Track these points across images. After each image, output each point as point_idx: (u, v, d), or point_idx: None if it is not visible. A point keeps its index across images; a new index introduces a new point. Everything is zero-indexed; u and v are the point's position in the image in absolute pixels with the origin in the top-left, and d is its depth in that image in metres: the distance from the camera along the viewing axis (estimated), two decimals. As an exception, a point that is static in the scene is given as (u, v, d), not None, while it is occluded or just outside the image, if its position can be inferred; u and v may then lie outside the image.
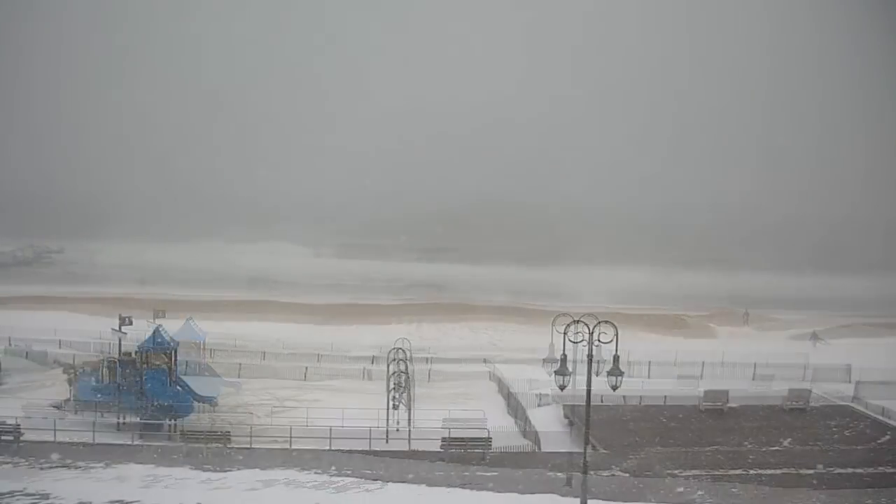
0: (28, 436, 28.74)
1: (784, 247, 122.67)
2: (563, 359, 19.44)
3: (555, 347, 20.02)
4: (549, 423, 35.32)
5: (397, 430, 33.47)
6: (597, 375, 19.64)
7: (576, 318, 19.44)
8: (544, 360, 39.69)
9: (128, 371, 34.75)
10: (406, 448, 30.65)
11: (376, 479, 26.25)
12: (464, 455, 28.35)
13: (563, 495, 24.66)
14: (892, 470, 27.94)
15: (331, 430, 30.20)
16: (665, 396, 38.60)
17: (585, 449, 21.04)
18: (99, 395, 34.74)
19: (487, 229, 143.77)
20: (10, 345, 47.90)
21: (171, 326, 37.35)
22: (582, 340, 19.00)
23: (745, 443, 32.11)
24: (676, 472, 27.55)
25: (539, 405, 38.95)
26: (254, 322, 64.95)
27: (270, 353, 52.20)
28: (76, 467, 26.83)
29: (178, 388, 35.51)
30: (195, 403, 35.67)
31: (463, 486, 25.96)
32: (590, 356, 19.06)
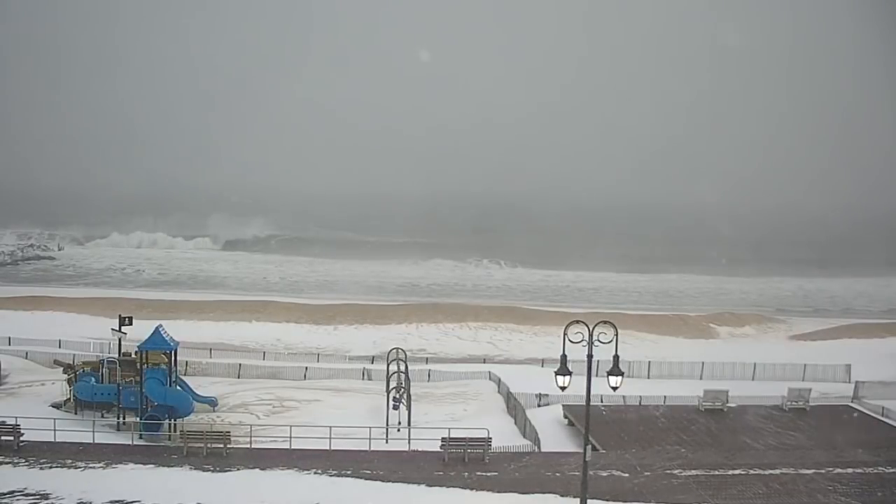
0: (28, 436, 28.71)
1: (785, 248, 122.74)
2: (564, 359, 19.42)
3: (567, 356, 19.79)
4: (548, 423, 35.32)
5: (398, 430, 33.48)
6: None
7: (578, 319, 19.42)
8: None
9: (128, 371, 34.80)
10: (406, 448, 30.65)
11: (376, 479, 26.25)
12: (464, 455, 28.33)
13: (562, 495, 24.69)
14: (892, 470, 27.92)
15: (331, 430, 30.18)
16: (665, 396, 38.58)
17: (585, 449, 21.03)
18: (99, 395, 34.77)
19: (482, 229, 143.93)
20: (9, 345, 47.84)
21: (140, 334, 35.98)
22: (582, 340, 18.97)
23: (745, 443, 32.10)
24: (676, 471, 27.55)
25: (539, 405, 38.95)
26: (254, 322, 64.94)
27: (270, 353, 52.20)
28: (76, 467, 26.83)
29: (178, 388, 35.55)
30: (195, 403, 35.69)
31: (463, 486, 25.96)
32: (589, 356, 19.04)
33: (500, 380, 42.75)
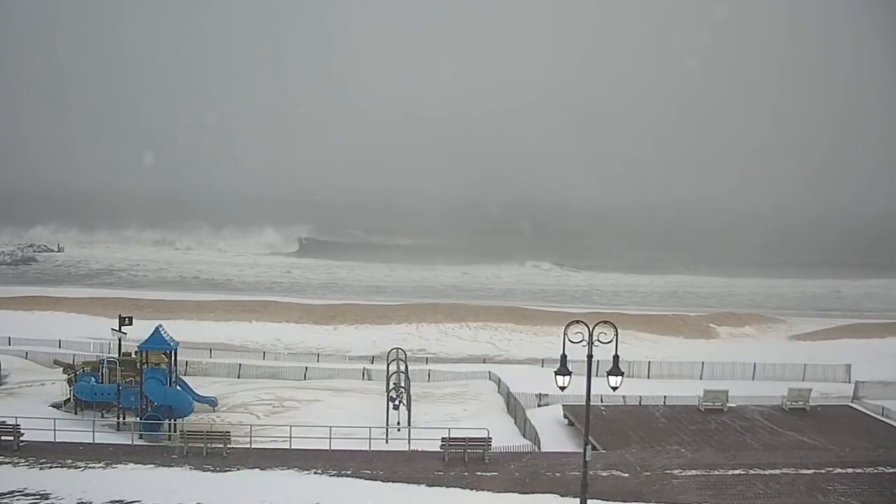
0: (28, 436, 28.71)
1: (785, 247, 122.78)
2: (563, 359, 19.42)
3: (567, 356, 19.77)
4: (548, 423, 35.32)
5: (398, 429, 33.48)
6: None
7: (578, 319, 19.41)
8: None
9: (128, 371, 34.81)
10: (406, 448, 30.64)
11: (376, 479, 26.25)
12: (464, 455, 28.33)
13: (562, 495, 24.69)
14: (891, 470, 27.91)
15: (331, 430, 30.17)
16: (665, 396, 38.59)
17: (585, 449, 21.03)
18: (99, 395, 34.78)
19: (477, 228, 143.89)
20: (9, 345, 47.86)
21: (140, 334, 36.14)
22: (581, 341, 18.96)
23: (745, 443, 32.09)
24: (676, 471, 27.55)
25: (539, 405, 38.95)
26: (254, 322, 64.98)
27: (270, 353, 52.23)
28: (76, 467, 26.83)
29: (177, 388, 35.55)
30: (195, 403, 35.70)
31: (463, 486, 25.96)
32: (589, 356, 19.04)
33: (500, 380, 42.76)
